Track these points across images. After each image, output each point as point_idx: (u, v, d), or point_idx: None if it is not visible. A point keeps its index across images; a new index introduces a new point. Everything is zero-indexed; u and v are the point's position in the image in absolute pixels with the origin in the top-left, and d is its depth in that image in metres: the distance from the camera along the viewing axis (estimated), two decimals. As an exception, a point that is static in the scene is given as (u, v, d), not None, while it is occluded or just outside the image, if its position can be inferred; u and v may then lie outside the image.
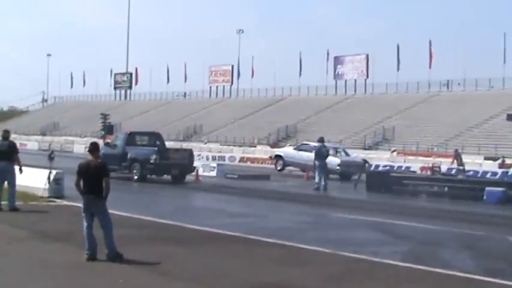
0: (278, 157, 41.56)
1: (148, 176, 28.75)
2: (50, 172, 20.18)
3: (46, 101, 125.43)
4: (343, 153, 38.67)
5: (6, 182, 17.12)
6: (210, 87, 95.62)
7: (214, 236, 14.40)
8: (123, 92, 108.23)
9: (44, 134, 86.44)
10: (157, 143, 31.38)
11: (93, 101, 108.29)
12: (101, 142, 33.87)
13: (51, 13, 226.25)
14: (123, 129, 78.61)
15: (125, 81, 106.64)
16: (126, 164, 28.65)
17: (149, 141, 31.71)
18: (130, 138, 30.80)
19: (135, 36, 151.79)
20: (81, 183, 11.35)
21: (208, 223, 15.90)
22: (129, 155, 28.84)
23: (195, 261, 11.63)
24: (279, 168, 40.36)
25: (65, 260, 11.18)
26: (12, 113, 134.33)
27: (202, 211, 20.02)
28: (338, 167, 34.59)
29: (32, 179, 19.70)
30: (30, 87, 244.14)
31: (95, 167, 11.35)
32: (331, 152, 32.35)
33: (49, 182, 20.08)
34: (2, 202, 16.92)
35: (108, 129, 57.86)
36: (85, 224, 11.31)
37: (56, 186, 20.29)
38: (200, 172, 32.73)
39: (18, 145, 18.83)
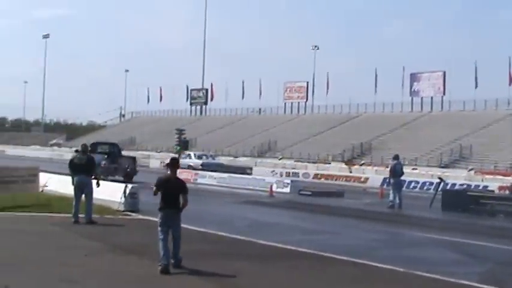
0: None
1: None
2: (126, 186, 20.54)
3: (123, 116, 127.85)
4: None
5: (83, 195, 17.52)
6: (285, 103, 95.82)
7: (286, 253, 14.35)
8: (198, 107, 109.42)
9: (121, 149, 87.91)
10: (113, 151, 37.95)
11: (169, 117, 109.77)
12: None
13: (130, 31, 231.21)
14: (198, 144, 79.74)
15: (200, 97, 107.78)
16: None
17: (109, 149, 38.36)
18: (93, 146, 34.35)
19: (211, 52, 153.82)
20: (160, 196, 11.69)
21: (281, 239, 15.87)
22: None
23: (267, 277, 11.62)
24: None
25: (138, 272, 11.35)
26: (90, 128, 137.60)
27: (275, 227, 19.99)
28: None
29: (108, 192, 20.09)
30: (109, 102, 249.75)
31: (175, 183, 11.74)
32: None
33: (125, 196, 20.42)
34: (80, 215, 17.28)
35: (184, 144, 58.41)
36: (161, 236, 11.56)
37: (132, 200, 20.62)
38: (274, 188, 32.99)
39: (95, 159, 19.23)
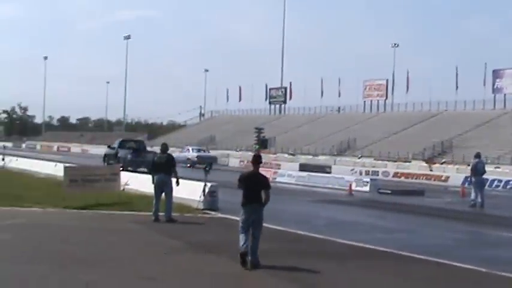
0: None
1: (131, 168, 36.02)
2: (205, 185, 20.72)
3: (203, 115, 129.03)
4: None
5: (163, 194, 17.79)
6: (364, 101, 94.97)
7: (365, 251, 14.24)
8: (277, 106, 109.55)
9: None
10: (138, 147, 43.61)
11: (248, 116, 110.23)
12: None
13: (210, 30, 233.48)
14: (277, 143, 79.87)
15: (279, 96, 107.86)
16: (117, 159, 39.76)
17: (135, 146, 44.06)
18: (122, 142, 44.10)
19: (290, 51, 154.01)
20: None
21: (360, 238, 15.76)
22: (118, 154, 40.84)
23: (346, 277, 11.59)
24: None
25: (217, 270, 11.46)
26: (171, 127, 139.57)
27: (354, 226, 19.86)
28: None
29: (187, 191, 20.31)
30: (188, 102, 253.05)
31: (257, 179, 11.94)
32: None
33: (204, 195, 20.61)
34: (160, 213, 17.55)
35: (263, 143, 58.61)
36: (242, 231, 11.78)
37: (211, 199, 20.80)
38: (353, 187, 32.81)
39: (175, 158, 19.46)
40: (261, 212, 11.89)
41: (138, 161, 39.25)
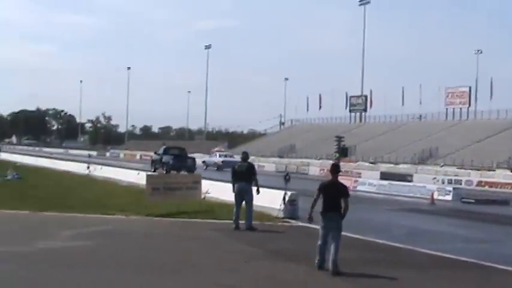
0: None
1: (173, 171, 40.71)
2: (286, 193, 20.75)
3: (283, 124, 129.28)
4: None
5: (244, 202, 17.91)
6: (446, 109, 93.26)
7: (447, 261, 14.03)
8: (358, 114, 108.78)
9: (281, 156, 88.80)
10: (180, 153, 48.86)
11: (329, 124, 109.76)
12: None
13: (289, 39, 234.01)
14: (357, 151, 79.31)
15: (359, 104, 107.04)
16: (161, 164, 45.39)
17: (177, 152, 49.21)
18: (166, 149, 49.35)
19: (370, 58, 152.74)
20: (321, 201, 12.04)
21: (442, 248, 15.51)
22: (163, 159, 45.77)
23: (426, 286, 11.44)
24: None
25: (296, 279, 11.48)
26: (251, 136, 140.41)
27: (436, 235, 19.56)
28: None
29: (268, 199, 20.38)
30: (269, 110, 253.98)
31: (336, 188, 12.10)
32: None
33: (284, 203, 20.65)
34: (240, 221, 17.68)
35: (343, 151, 58.38)
36: (320, 240, 12.00)
37: (291, 207, 20.80)
38: (435, 196, 32.34)
39: (256, 167, 19.56)
40: (340, 221, 11.97)
41: (179, 165, 43.54)
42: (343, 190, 12.12)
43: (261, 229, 17.67)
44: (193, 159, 48.85)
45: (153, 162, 48.48)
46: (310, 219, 12.34)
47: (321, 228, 12.09)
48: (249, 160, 19.00)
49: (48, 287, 10.47)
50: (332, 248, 11.82)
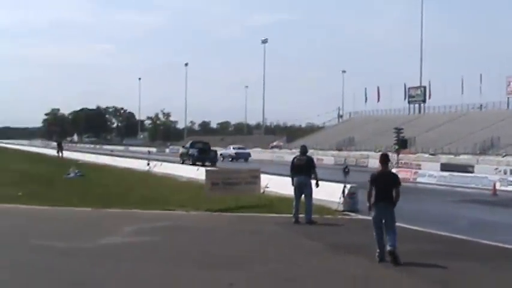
0: None
1: (197, 162, 49.19)
2: (345, 186, 20.67)
3: (341, 116, 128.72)
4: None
5: (303, 195, 17.89)
6: (508, 98, 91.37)
7: (510, 253, 13.82)
8: (416, 106, 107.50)
9: (339, 149, 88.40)
10: (204, 147, 55.41)
11: (387, 116, 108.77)
12: (394, 156, 37.48)
13: (347, 32, 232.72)
14: (416, 143, 78.41)
15: (418, 95, 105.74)
16: (188, 156, 53.06)
17: (202, 146, 55.94)
18: (192, 143, 57.35)
19: (428, 49, 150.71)
20: (373, 192, 12.20)
21: (505, 239, 15.28)
22: (189, 152, 53.34)
23: (490, 278, 11.27)
24: None
25: (356, 272, 11.42)
26: (309, 129, 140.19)
27: (498, 226, 19.21)
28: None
29: (327, 193, 20.34)
30: (326, 103, 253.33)
31: (387, 177, 12.33)
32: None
33: (343, 196, 20.57)
34: (300, 215, 17.66)
35: (402, 143, 57.69)
36: (376, 231, 12.23)
37: (350, 200, 20.72)
38: (497, 186, 31.77)
39: (315, 160, 19.50)
40: (392, 210, 12.17)
41: (202, 157, 51.77)
42: (394, 179, 12.40)
43: (320, 222, 17.65)
44: (215, 151, 55.84)
45: (182, 155, 55.64)
46: (371, 210, 12.44)
47: (373, 218, 12.31)
48: (308, 153, 18.93)
49: (113, 282, 10.64)
50: (388, 238, 11.94)
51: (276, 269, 11.62)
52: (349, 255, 13.12)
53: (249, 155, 73.42)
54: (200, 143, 58.38)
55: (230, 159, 69.12)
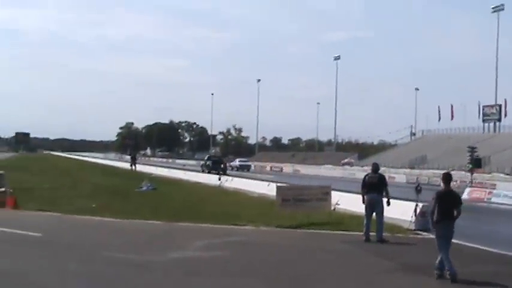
0: None
1: (213, 171, 61.97)
2: (417, 205, 20.37)
3: (414, 134, 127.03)
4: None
5: (374, 213, 17.70)
6: None
7: None
8: (491, 124, 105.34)
9: (411, 168, 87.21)
10: (217, 159, 75.29)
11: (461, 134, 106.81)
12: (467, 175, 36.88)
13: (420, 49, 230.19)
14: (491, 162, 76.75)
15: (493, 114, 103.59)
16: (206, 166, 69.57)
17: (216, 159, 76.25)
18: (208, 157, 78.03)
19: (504, 66, 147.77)
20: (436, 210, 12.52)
21: None
22: (206, 163, 71.04)
23: None
24: None
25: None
26: (381, 147, 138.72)
27: None
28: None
29: (398, 211, 20.05)
30: (399, 121, 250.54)
31: (451, 196, 12.66)
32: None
33: (415, 215, 20.27)
34: (371, 233, 17.48)
35: (476, 162, 56.58)
36: (442, 249, 12.39)
37: (422, 219, 20.35)
38: None
39: (386, 178, 19.28)
40: (453, 228, 12.54)
41: (216, 167, 66.17)
42: (458, 199, 12.72)
43: (391, 241, 17.43)
44: (225, 163, 73.76)
45: (202, 166, 72.18)
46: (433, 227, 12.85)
47: (437, 238, 12.61)
48: (379, 171, 18.74)
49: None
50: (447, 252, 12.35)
51: (344, 286, 11.53)
52: (420, 275, 12.92)
53: (249, 166, 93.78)
54: (215, 157, 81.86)
55: (236, 169, 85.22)
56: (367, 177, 18.21)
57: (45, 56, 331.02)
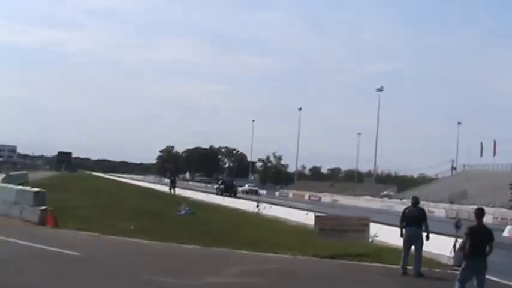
0: None
1: (225, 193, 70.48)
2: (456, 240, 20.13)
3: (455, 169, 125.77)
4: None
5: (413, 247, 17.49)
6: None
7: None
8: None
9: (452, 202, 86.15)
10: (230, 183, 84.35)
11: (503, 171, 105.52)
12: (509, 213, 36.28)
13: (463, 80, 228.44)
14: (534, 200, 75.49)
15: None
16: (219, 189, 79.11)
17: (228, 183, 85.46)
18: (222, 181, 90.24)
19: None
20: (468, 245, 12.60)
21: None
22: (220, 186, 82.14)
23: None
24: None
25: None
26: (421, 180, 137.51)
27: None
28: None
29: (437, 246, 19.84)
30: (440, 155, 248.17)
31: (482, 232, 12.68)
32: None
33: (454, 250, 20.03)
34: (408, 267, 17.30)
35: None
36: (461, 280, 12.61)
37: (461, 255, 20.10)
38: None
39: (426, 212, 19.09)
40: (485, 264, 12.59)
41: (227, 189, 75.52)
42: (490, 234, 12.69)
43: (429, 276, 17.23)
44: (236, 187, 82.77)
45: (217, 188, 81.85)
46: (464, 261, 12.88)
47: (463, 270, 12.70)
48: (419, 205, 18.58)
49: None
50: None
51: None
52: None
53: (257, 191, 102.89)
54: (228, 181, 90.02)
55: (245, 193, 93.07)
56: (406, 210, 18.06)
57: (89, 77, 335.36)
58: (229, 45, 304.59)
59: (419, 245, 17.43)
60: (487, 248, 12.56)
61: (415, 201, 18.28)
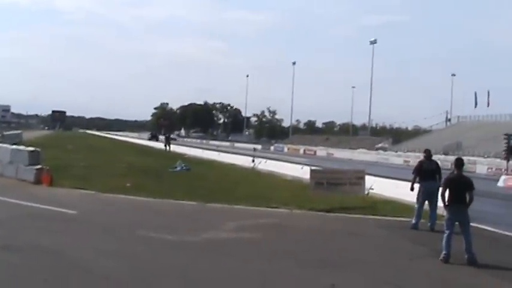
0: None
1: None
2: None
3: (449, 120, 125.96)
4: None
5: (427, 202, 17.15)
6: None
7: None
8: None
9: (446, 154, 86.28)
10: (154, 133, 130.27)
11: (497, 121, 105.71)
12: (503, 163, 36.65)
13: (457, 33, 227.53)
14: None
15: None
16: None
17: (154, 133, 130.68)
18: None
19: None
20: (447, 194, 12.93)
21: None
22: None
23: None
24: None
25: (459, 279, 11.30)
26: (416, 132, 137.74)
27: None
28: None
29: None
30: (434, 107, 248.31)
31: (461, 181, 12.87)
32: None
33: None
34: (421, 220, 17.09)
35: (511, 149, 56.00)
36: (447, 230, 12.78)
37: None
38: None
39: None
40: (466, 212, 12.85)
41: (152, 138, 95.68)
42: (468, 183, 12.85)
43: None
44: (158, 137, 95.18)
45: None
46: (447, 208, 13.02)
47: (446, 220, 12.98)
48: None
49: (215, 275, 10.79)
50: (464, 238, 12.61)
51: (382, 273, 11.52)
52: (455, 263, 12.79)
53: (175, 139, 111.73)
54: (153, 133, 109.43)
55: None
56: (424, 165, 17.57)
57: (83, 36, 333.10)
58: (223, 2, 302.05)
59: (437, 199, 16.17)
60: (467, 198, 12.71)
61: (428, 154, 17.95)
